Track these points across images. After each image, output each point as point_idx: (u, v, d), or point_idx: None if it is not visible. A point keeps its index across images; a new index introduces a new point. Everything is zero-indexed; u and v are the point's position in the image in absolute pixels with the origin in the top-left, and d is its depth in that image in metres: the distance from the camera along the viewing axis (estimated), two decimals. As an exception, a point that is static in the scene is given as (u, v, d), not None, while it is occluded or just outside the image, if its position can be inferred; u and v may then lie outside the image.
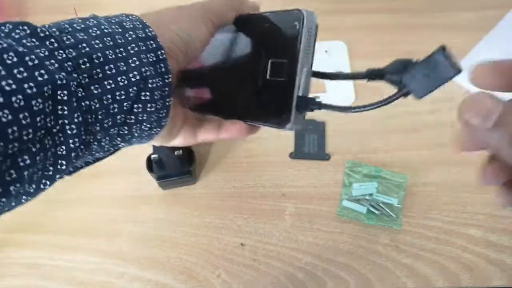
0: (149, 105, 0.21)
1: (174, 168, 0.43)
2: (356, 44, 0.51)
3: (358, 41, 0.52)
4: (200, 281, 0.41)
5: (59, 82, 0.17)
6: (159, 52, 0.21)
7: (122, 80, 0.20)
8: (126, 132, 0.22)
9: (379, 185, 0.44)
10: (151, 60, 0.21)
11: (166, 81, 0.22)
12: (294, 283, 0.40)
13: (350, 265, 0.42)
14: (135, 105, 0.21)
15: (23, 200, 0.19)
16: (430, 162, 0.46)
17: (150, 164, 0.43)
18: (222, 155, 0.48)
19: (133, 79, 0.20)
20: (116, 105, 0.20)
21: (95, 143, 0.20)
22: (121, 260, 0.42)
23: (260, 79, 0.24)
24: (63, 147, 0.18)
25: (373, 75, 0.22)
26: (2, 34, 0.18)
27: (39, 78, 0.17)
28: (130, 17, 0.22)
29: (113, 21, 0.21)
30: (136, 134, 0.22)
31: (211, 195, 0.45)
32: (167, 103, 0.22)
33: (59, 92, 0.17)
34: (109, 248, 0.43)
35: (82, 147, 0.19)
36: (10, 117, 0.16)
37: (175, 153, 0.43)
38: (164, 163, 0.43)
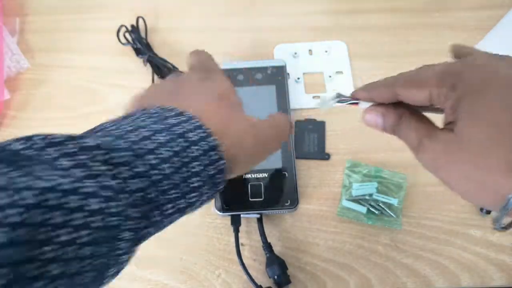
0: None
1: None
2: (356, 44, 0.51)
3: (358, 41, 0.52)
4: (200, 281, 0.41)
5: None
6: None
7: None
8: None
9: (379, 185, 0.44)
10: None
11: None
12: (294, 283, 0.41)
13: (350, 265, 0.42)
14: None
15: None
16: (430, 162, 0.46)
17: None
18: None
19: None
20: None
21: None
22: (121, 260, 0.42)
23: None
24: None
25: None
26: None
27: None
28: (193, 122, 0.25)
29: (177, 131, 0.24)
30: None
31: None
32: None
33: None
34: (109, 248, 0.43)
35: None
36: None
37: None
38: None
